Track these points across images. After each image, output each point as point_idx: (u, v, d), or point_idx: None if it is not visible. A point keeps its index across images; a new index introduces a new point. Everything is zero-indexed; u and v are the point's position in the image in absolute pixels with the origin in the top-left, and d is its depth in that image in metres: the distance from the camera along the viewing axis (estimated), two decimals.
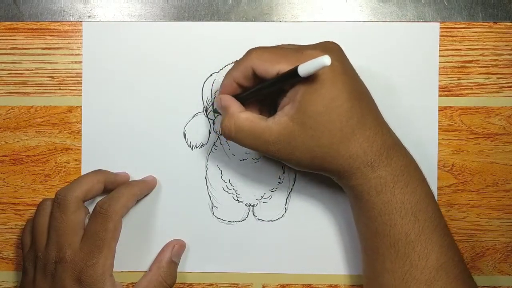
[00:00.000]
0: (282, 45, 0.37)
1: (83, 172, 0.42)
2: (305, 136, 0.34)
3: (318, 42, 0.36)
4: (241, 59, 0.36)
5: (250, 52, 0.35)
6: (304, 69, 0.31)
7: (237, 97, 0.37)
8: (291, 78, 0.33)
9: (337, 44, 0.36)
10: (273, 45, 0.37)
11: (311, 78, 0.33)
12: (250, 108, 0.37)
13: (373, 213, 0.35)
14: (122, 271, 0.41)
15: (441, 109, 0.41)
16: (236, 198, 0.42)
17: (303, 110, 0.33)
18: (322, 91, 0.33)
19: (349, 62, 0.36)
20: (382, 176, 0.34)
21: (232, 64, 0.41)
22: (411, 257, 0.34)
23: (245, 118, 0.35)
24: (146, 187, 0.41)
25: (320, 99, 0.33)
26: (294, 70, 0.31)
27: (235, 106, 0.36)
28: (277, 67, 0.34)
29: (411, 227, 0.34)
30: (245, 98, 0.37)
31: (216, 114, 0.42)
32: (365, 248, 0.37)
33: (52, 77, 0.42)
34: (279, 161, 0.41)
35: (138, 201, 0.41)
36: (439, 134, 0.41)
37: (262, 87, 0.35)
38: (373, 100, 0.36)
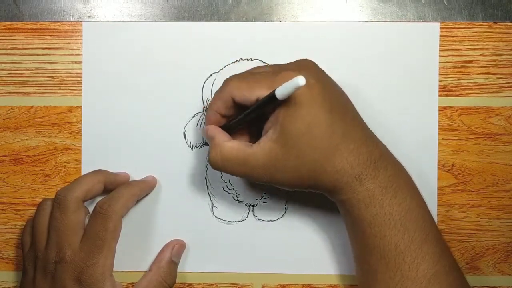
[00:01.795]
0: (258, 67, 0.37)
1: (83, 172, 0.42)
2: (289, 157, 0.34)
3: (293, 61, 0.37)
4: (219, 90, 0.36)
5: (227, 82, 0.36)
6: (281, 92, 0.31)
7: (223, 127, 0.37)
8: (271, 103, 0.33)
9: (311, 61, 0.36)
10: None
11: (289, 100, 0.33)
12: (239, 136, 0.37)
13: (362, 226, 0.35)
14: (122, 271, 0.41)
15: (441, 109, 0.41)
16: (236, 198, 0.42)
17: (285, 132, 0.33)
18: (301, 111, 0.33)
19: (327, 78, 0.36)
20: (370, 189, 0.34)
21: (233, 64, 0.42)
22: (402, 268, 0.34)
23: (230, 146, 0.35)
24: (146, 187, 0.41)
25: (300, 119, 0.33)
26: (272, 95, 0.32)
27: (220, 136, 0.36)
28: (255, 93, 0.34)
29: (400, 238, 0.34)
30: (231, 127, 0.37)
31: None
32: (357, 260, 0.37)
33: (52, 77, 0.42)
34: None
35: (138, 201, 0.41)
36: (439, 134, 0.41)
37: (245, 115, 0.35)
38: (357, 113, 0.37)
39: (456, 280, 0.35)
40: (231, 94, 0.35)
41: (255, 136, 0.38)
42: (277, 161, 0.34)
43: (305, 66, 0.36)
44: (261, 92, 0.34)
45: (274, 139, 0.34)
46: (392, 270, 0.34)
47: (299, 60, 0.36)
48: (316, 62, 0.41)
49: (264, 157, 0.34)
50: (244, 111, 0.35)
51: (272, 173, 0.34)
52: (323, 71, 0.36)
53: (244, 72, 0.36)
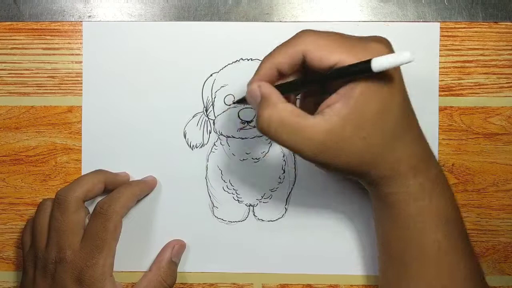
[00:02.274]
0: (334, 32, 0.32)
1: (83, 172, 0.42)
2: (356, 138, 0.31)
3: (365, 36, 0.32)
4: (289, 42, 0.32)
5: (302, 35, 0.31)
6: (380, 63, 0.28)
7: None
8: (355, 73, 0.29)
9: (387, 40, 0.32)
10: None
11: (374, 76, 0.30)
12: None
13: (406, 221, 0.33)
14: (122, 271, 0.41)
15: (441, 109, 0.41)
16: (236, 198, 0.42)
17: (360, 109, 0.30)
18: (383, 90, 0.30)
19: None
20: (421, 183, 0.33)
21: (233, 64, 0.42)
22: (441, 265, 0.33)
23: (289, 110, 0.31)
24: (147, 187, 0.41)
25: (379, 98, 0.30)
26: (367, 63, 0.28)
27: (276, 96, 0.31)
28: (335, 56, 0.30)
29: (443, 235, 0.33)
30: (284, 91, 0.32)
31: (217, 114, 0.42)
32: (387, 255, 0.36)
33: (52, 77, 0.42)
34: (279, 161, 0.41)
35: (138, 201, 0.41)
36: (439, 134, 0.41)
37: (310, 79, 0.31)
38: None
39: (483, 281, 0.35)
40: (304, 49, 0.31)
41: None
42: (341, 140, 0.30)
43: (390, 45, 0.32)
44: (342, 58, 0.30)
45: (343, 115, 0.30)
46: (430, 267, 0.33)
47: (375, 36, 0.32)
48: None
49: (325, 132, 0.30)
50: (314, 74, 0.31)
51: (329, 152, 0.31)
52: None
53: (320, 30, 0.32)
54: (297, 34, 0.32)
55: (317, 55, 0.30)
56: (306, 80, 0.32)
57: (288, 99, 0.33)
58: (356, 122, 0.30)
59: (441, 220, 0.33)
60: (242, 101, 0.36)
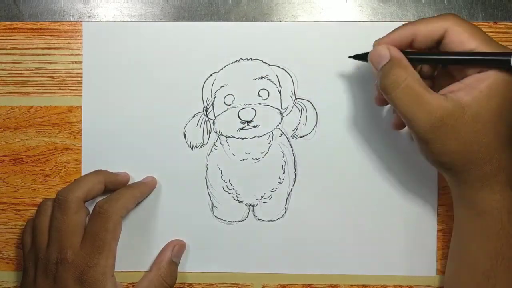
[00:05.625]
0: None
1: (83, 172, 0.42)
2: (470, 129, 0.31)
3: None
4: (433, 18, 0.33)
5: (447, 15, 0.32)
6: None
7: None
8: (490, 62, 0.30)
9: None
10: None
11: (503, 74, 0.30)
12: None
13: (498, 233, 0.32)
14: (122, 271, 0.41)
15: None
16: (236, 198, 0.42)
17: (481, 103, 0.31)
18: (509, 94, 0.31)
19: None
20: None
21: (233, 64, 0.42)
22: None
23: (418, 79, 0.32)
24: (147, 188, 0.41)
25: (502, 98, 0.31)
26: (507, 56, 0.29)
27: (407, 61, 0.32)
28: (475, 43, 0.31)
29: None
30: (410, 60, 0.33)
31: (217, 114, 0.41)
32: (466, 264, 0.34)
33: (52, 77, 0.42)
34: (279, 161, 0.41)
35: (138, 203, 0.41)
36: None
37: (449, 58, 0.32)
38: None
39: None
40: (448, 28, 0.32)
41: None
42: (456, 125, 0.31)
43: None
44: (480, 46, 0.31)
45: (465, 102, 0.31)
46: None
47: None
48: (316, 62, 0.41)
49: (445, 111, 0.31)
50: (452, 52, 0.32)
51: (441, 134, 0.31)
52: None
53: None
54: (441, 14, 0.33)
55: (459, 37, 0.31)
56: (441, 56, 0.33)
57: None
58: (474, 113, 0.31)
59: None
60: (361, 57, 0.36)
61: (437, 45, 0.33)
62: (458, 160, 0.32)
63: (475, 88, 0.31)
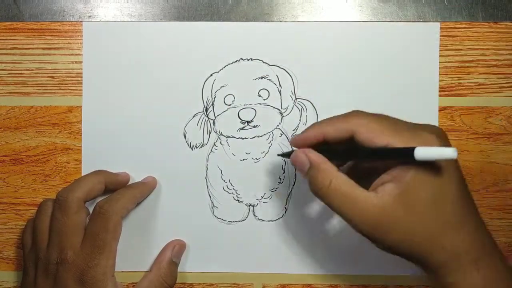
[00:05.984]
0: (386, 116, 0.33)
1: (83, 172, 0.42)
2: (408, 221, 0.30)
3: (420, 123, 0.33)
4: (340, 117, 0.33)
5: (354, 114, 0.33)
6: (422, 153, 0.28)
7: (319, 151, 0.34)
8: (400, 157, 0.30)
9: (443, 130, 0.33)
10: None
11: (424, 164, 0.30)
12: None
13: None
14: (122, 271, 0.41)
15: (441, 109, 0.41)
16: (236, 198, 0.42)
17: (411, 195, 0.30)
18: (436, 182, 0.30)
19: None
20: (487, 276, 0.31)
21: (233, 64, 0.42)
22: None
23: (345, 180, 0.32)
24: (147, 188, 0.41)
25: (431, 187, 0.30)
26: (410, 151, 0.29)
27: (329, 164, 0.32)
28: (385, 139, 0.31)
29: None
30: (331, 158, 0.33)
31: (217, 114, 0.42)
32: None
33: (52, 77, 0.42)
34: (279, 161, 0.41)
35: (138, 203, 0.41)
36: None
37: (361, 155, 0.32)
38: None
39: None
40: (355, 130, 0.32)
41: None
42: (392, 219, 0.31)
43: (443, 136, 0.32)
44: (391, 141, 0.31)
45: (394, 196, 0.30)
46: None
47: (431, 126, 0.33)
48: (316, 62, 0.41)
49: (377, 209, 0.31)
50: (360, 150, 0.32)
51: (381, 229, 0.31)
52: None
53: (371, 113, 0.33)
54: (348, 113, 0.33)
55: (367, 137, 0.31)
56: (352, 153, 0.32)
57: None
58: (408, 205, 0.30)
59: None
60: (288, 155, 0.37)
61: (352, 139, 0.33)
62: (406, 250, 0.31)
63: (401, 181, 0.30)
